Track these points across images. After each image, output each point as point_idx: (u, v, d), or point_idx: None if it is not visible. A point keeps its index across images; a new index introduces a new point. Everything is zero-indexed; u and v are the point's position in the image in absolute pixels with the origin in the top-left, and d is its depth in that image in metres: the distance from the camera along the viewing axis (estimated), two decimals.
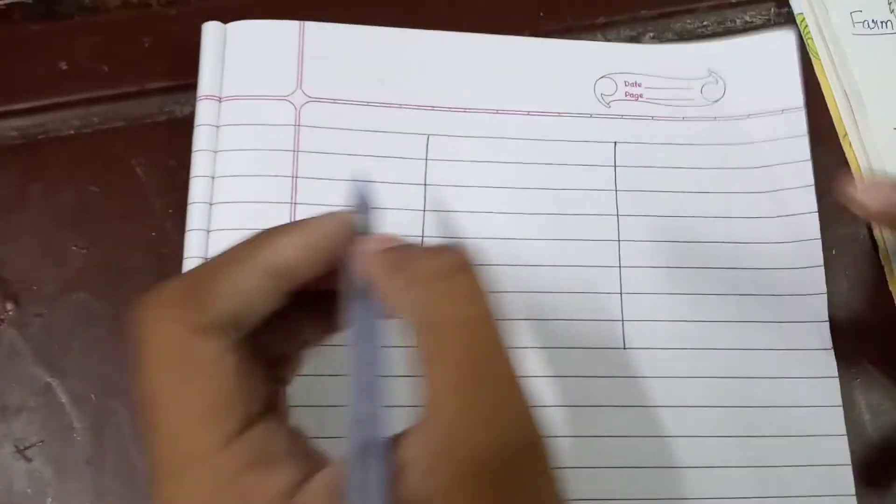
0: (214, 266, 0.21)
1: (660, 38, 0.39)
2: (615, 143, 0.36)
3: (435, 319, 0.20)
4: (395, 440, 0.19)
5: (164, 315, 0.20)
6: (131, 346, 0.20)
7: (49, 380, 0.32)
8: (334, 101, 0.36)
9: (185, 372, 0.19)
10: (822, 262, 0.35)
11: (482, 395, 0.19)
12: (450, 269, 0.20)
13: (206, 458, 0.18)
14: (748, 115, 0.37)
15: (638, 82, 0.37)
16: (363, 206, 0.23)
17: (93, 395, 0.32)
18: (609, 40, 0.39)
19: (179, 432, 0.19)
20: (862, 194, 0.30)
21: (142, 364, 0.20)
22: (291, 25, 0.36)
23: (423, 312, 0.20)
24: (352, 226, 0.22)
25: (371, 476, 0.18)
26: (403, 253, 0.21)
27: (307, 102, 0.35)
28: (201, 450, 0.19)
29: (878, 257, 0.36)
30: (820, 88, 0.39)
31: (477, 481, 0.18)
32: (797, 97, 0.38)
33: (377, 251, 0.21)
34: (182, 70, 0.36)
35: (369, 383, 0.20)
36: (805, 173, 0.36)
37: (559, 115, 0.37)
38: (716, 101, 0.38)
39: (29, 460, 0.31)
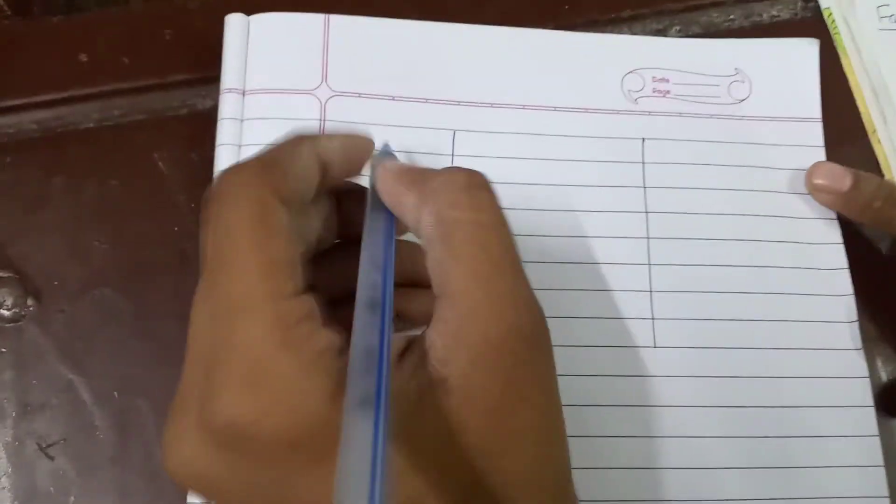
0: (283, 150, 0.22)
1: (686, 32, 0.39)
2: (643, 139, 0.36)
3: (454, 221, 0.21)
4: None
5: (248, 181, 0.21)
6: (208, 212, 0.21)
7: (71, 377, 0.32)
8: (359, 95, 0.35)
9: (261, 228, 0.20)
10: (846, 265, 0.35)
11: (498, 286, 0.20)
12: (467, 183, 0.22)
13: (265, 303, 0.19)
14: (772, 118, 0.37)
15: (666, 77, 0.37)
16: (386, 150, 0.26)
17: (116, 393, 0.31)
18: (634, 34, 0.39)
19: (244, 280, 0.20)
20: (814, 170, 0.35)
21: (220, 219, 0.21)
22: (316, 18, 0.36)
23: (441, 217, 0.21)
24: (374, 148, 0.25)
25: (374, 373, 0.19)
26: (423, 171, 0.23)
27: (332, 97, 0.35)
28: (262, 295, 0.19)
29: None
30: (848, 85, 0.39)
31: (492, 362, 0.19)
32: (816, 108, 0.37)
33: (397, 169, 0.24)
34: (204, 62, 0.36)
35: (378, 281, 0.21)
36: None
37: (586, 110, 0.36)
38: (742, 101, 0.37)
39: (51, 459, 0.31)
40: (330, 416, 0.18)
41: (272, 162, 0.22)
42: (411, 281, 0.24)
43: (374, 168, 0.24)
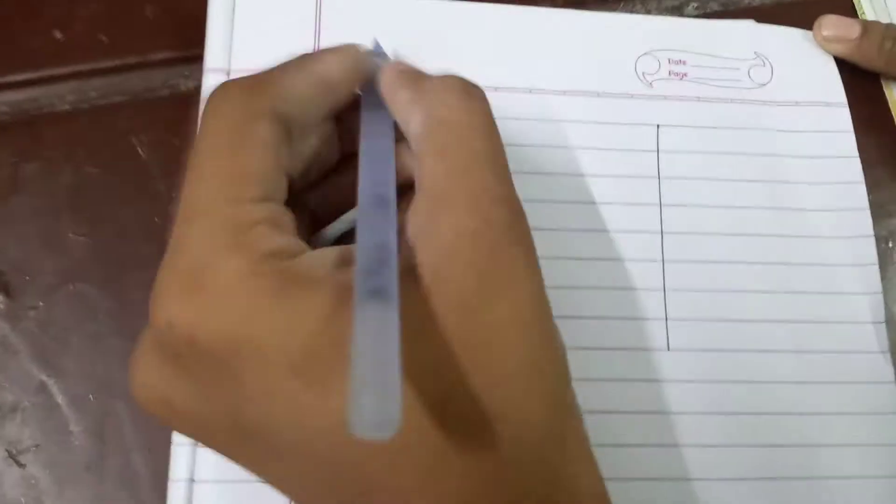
0: (275, 70, 0.22)
1: (704, 9, 0.37)
2: (658, 125, 0.33)
3: (442, 120, 0.21)
4: None
5: (234, 95, 0.21)
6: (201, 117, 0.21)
7: (45, 378, 0.30)
8: None
9: (235, 138, 0.20)
10: (875, 261, 0.33)
11: (474, 180, 0.20)
12: (463, 88, 0.22)
13: (220, 206, 0.19)
14: (796, 103, 0.35)
15: (682, 60, 0.35)
16: (378, 50, 0.26)
17: (92, 396, 0.29)
18: (649, 10, 0.36)
19: (206, 184, 0.20)
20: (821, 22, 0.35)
21: (200, 130, 0.21)
22: None
23: (431, 115, 0.21)
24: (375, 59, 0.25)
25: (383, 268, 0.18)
26: (422, 73, 0.23)
27: None
28: (220, 199, 0.19)
29: None
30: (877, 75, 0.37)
31: (463, 254, 0.19)
32: (840, 93, 0.35)
33: (397, 68, 0.24)
34: (187, 40, 0.33)
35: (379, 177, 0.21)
36: (854, 169, 0.34)
37: (597, 94, 0.34)
38: (763, 85, 0.35)
39: (23, 466, 0.29)
40: (272, 318, 0.18)
41: (265, 80, 0.22)
42: (404, 182, 0.23)
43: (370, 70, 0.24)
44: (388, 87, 0.23)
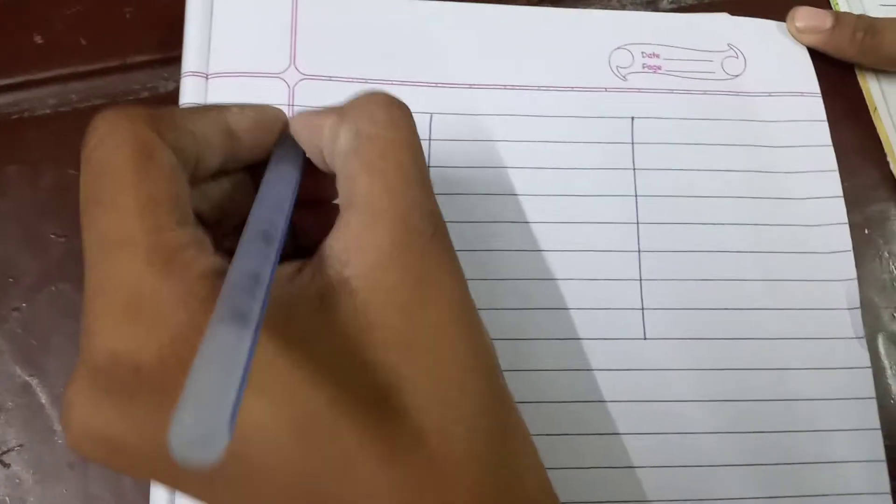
0: (176, 109, 0.22)
1: (678, 3, 0.37)
2: (632, 118, 0.34)
3: (371, 136, 0.21)
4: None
5: (132, 117, 0.20)
6: (86, 150, 0.20)
7: (28, 379, 0.30)
8: (329, 78, 0.33)
9: (140, 164, 0.19)
10: (850, 247, 0.33)
11: (405, 196, 0.20)
12: (386, 101, 0.22)
13: (143, 236, 0.19)
14: (769, 94, 0.35)
15: (656, 53, 0.35)
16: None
17: None
18: (624, 6, 0.37)
19: (120, 216, 0.19)
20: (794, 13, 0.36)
21: (97, 154, 0.20)
22: None
23: (359, 131, 0.21)
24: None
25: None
26: (337, 105, 0.23)
27: (301, 80, 0.33)
28: (140, 230, 0.19)
29: None
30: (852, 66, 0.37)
31: (397, 261, 0.20)
32: (813, 83, 0.36)
33: (316, 109, 0.23)
34: (166, 42, 0.34)
35: (273, 210, 0.20)
36: (828, 158, 0.35)
37: (572, 89, 0.34)
38: (737, 76, 0.35)
39: (7, 466, 0.29)
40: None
41: (164, 114, 0.21)
42: (311, 199, 0.24)
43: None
44: (309, 119, 0.23)
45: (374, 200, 0.20)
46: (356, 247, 0.20)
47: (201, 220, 0.22)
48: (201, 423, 0.13)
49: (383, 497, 0.18)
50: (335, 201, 0.22)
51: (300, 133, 0.23)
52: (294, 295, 0.19)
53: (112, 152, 0.20)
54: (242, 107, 0.23)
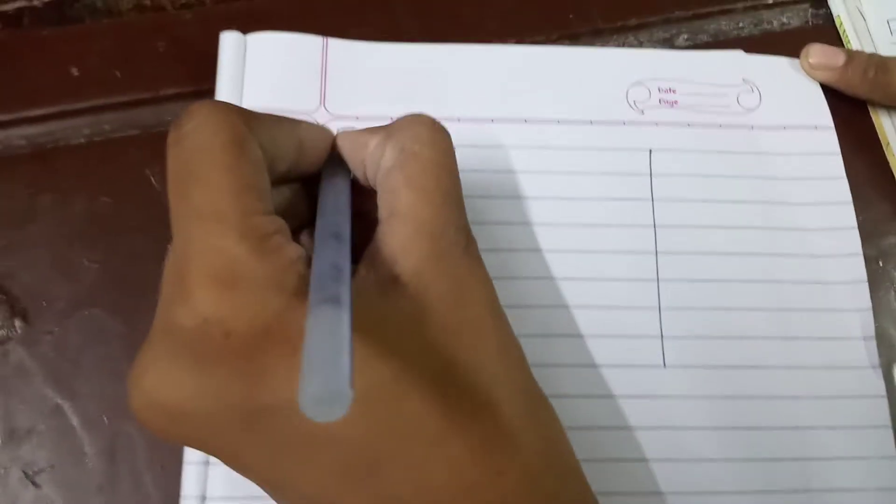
0: (261, 112, 0.23)
1: (694, 41, 0.38)
2: (650, 150, 0.35)
3: (415, 154, 0.23)
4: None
5: (229, 109, 0.22)
6: (178, 133, 0.21)
7: (59, 401, 0.30)
8: (357, 118, 0.34)
9: (236, 151, 0.21)
10: (865, 278, 0.34)
11: (443, 211, 0.23)
12: (431, 124, 0.24)
13: (238, 217, 0.20)
14: (784, 127, 0.36)
15: (672, 88, 0.36)
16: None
17: (105, 418, 0.30)
18: (641, 42, 0.38)
19: (217, 195, 0.20)
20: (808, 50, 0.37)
21: (194, 137, 0.21)
22: (314, 41, 0.35)
23: (404, 148, 0.23)
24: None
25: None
26: (382, 125, 0.25)
27: (331, 120, 0.34)
28: (235, 210, 0.20)
29: None
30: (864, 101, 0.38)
31: (439, 264, 0.22)
32: (826, 117, 0.37)
33: (362, 128, 0.26)
34: (198, 76, 0.35)
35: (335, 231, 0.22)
36: (842, 190, 0.35)
37: (591, 123, 0.35)
38: (752, 110, 0.36)
39: (38, 487, 0.29)
40: (302, 315, 0.19)
41: (253, 114, 0.23)
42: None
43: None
44: (357, 137, 0.25)
45: (416, 212, 0.22)
46: (402, 250, 0.22)
47: None
48: (330, 384, 0.15)
49: (437, 458, 0.20)
50: (376, 213, 0.24)
51: (345, 148, 0.26)
52: (356, 286, 0.21)
53: (209, 137, 0.21)
54: (310, 125, 0.25)
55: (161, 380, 0.20)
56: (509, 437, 0.21)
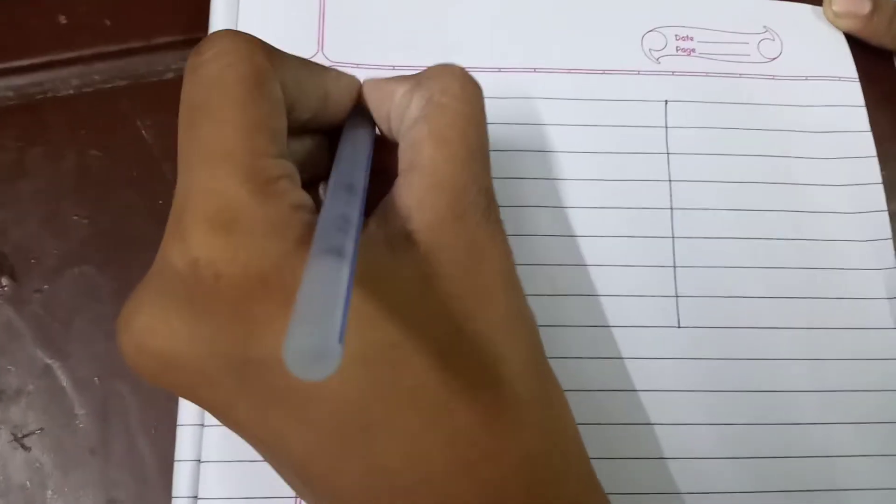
0: (290, 55, 0.22)
1: None
2: (666, 101, 0.33)
3: (442, 105, 0.22)
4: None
5: (252, 42, 0.21)
6: (198, 58, 0.20)
7: (49, 362, 0.29)
8: (357, 65, 0.32)
9: (254, 87, 0.20)
10: (890, 235, 0.32)
11: (466, 169, 0.21)
12: (462, 76, 0.23)
13: (245, 156, 0.19)
14: (806, 77, 0.34)
15: (689, 36, 0.34)
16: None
17: (97, 379, 0.29)
18: None
19: (227, 131, 0.19)
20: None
21: (212, 66, 0.20)
22: None
23: (432, 99, 0.22)
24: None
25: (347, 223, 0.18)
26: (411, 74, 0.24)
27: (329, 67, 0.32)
28: (243, 149, 0.19)
29: None
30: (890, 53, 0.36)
31: (455, 224, 0.21)
32: (850, 68, 0.35)
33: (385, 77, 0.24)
34: (191, 23, 0.33)
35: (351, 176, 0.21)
36: (867, 144, 0.34)
37: (603, 72, 0.33)
38: (773, 59, 0.34)
39: (27, 449, 0.28)
40: (300, 263, 0.18)
41: (278, 50, 0.21)
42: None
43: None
44: (384, 84, 0.24)
45: (437, 167, 0.21)
46: (418, 205, 0.20)
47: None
48: (317, 338, 0.14)
49: (436, 429, 0.19)
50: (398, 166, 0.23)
51: (371, 98, 0.24)
52: (365, 237, 0.20)
53: (227, 69, 0.20)
54: (338, 73, 0.24)
55: (151, 322, 0.19)
56: (513, 415, 0.20)
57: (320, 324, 0.14)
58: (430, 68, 0.23)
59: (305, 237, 0.19)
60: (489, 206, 0.22)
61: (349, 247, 0.17)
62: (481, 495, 0.19)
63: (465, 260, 0.21)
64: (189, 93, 0.20)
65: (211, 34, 0.21)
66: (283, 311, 0.18)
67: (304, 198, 0.20)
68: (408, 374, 0.19)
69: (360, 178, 0.21)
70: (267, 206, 0.19)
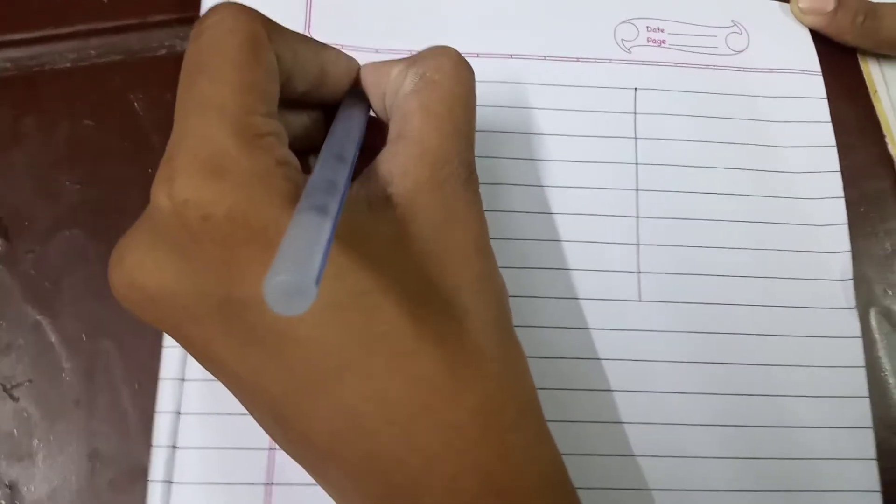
0: (290, 31, 0.23)
1: None
2: (636, 89, 0.34)
3: (434, 82, 0.23)
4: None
5: (252, 13, 0.22)
6: (200, 27, 0.21)
7: (39, 318, 0.31)
8: (342, 47, 0.34)
9: (250, 52, 0.21)
10: (845, 221, 0.34)
11: (451, 143, 0.23)
12: (457, 57, 0.24)
13: (237, 110, 0.20)
14: (771, 70, 0.36)
15: (660, 28, 0.36)
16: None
17: (84, 336, 0.31)
18: None
19: (222, 87, 0.20)
20: None
21: (212, 31, 0.21)
22: None
23: (425, 76, 0.23)
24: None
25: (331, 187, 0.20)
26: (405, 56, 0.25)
27: None
28: (236, 104, 0.20)
29: None
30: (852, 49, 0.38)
31: (433, 190, 0.22)
32: (814, 62, 0.37)
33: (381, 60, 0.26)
34: (184, 2, 0.35)
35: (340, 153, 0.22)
36: (827, 134, 0.35)
37: (577, 60, 0.35)
38: (739, 52, 0.36)
39: (16, 399, 0.30)
40: (283, 215, 0.19)
41: (276, 23, 0.23)
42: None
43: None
44: (376, 69, 0.25)
45: (424, 137, 0.22)
46: (401, 172, 0.22)
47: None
48: (296, 276, 0.15)
49: (401, 373, 0.20)
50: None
51: (368, 80, 0.26)
52: (347, 199, 0.21)
53: (226, 34, 0.21)
54: (338, 53, 0.25)
55: (141, 259, 0.21)
56: (474, 365, 0.21)
57: (300, 265, 0.16)
58: (426, 49, 0.25)
59: (288, 190, 0.20)
60: (469, 178, 0.23)
61: (333, 207, 0.18)
62: (441, 436, 0.21)
63: (440, 223, 0.22)
64: (190, 56, 0.21)
65: (214, 5, 0.22)
66: (265, 255, 0.19)
67: (290, 156, 0.21)
68: (378, 321, 0.20)
69: (351, 150, 0.22)
70: (254, 158, 0.20)
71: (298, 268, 0.16)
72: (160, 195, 0.20)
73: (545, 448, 0.23)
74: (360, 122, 0.24)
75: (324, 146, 0.22)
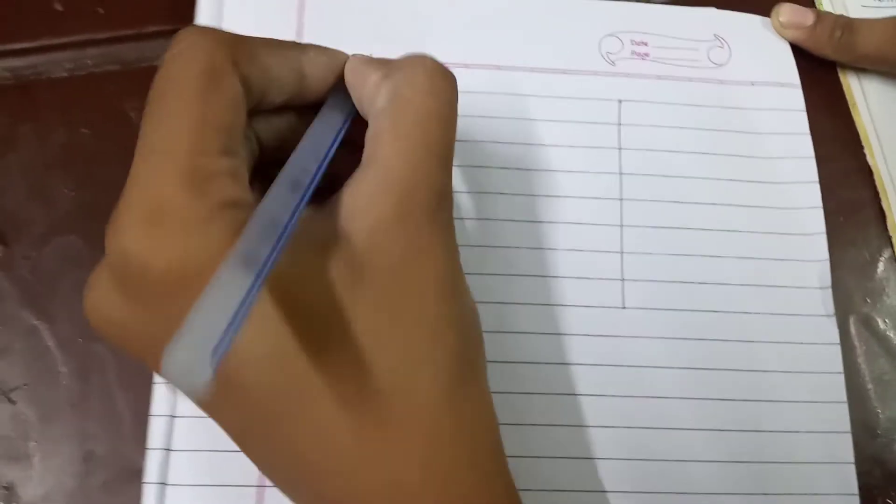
0: (258, 40, 0.23)
1: None
2: (620, 101, 0.35)
3: (406, 100, 0.22)
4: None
5: (215, 39, 0.21)
6: (167, 55, 0.21)
7: (35, 322, 0.31)
8: None
9: (205, 85, 0.20)
10: (824, 230, 0.35)
11: (422, 169, 0.21)
12: (432, 68, 0.23)
13: (183, 153, 0.19)
14: (752, 83, 0.37)
15: (644, 41, 0.37)
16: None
17: (80, 339, 0.31)
18: None
19: (171, 128, 0.20)
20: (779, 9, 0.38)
21: (170, 66, 0.21)
22: None
23: (396, 92, 0.22)
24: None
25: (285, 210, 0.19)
26: (388, 59, 0.24)
27: None
28: (183, 146, 0.20)
29: (886, 226, 0.36)
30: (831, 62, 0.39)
31: (397, 228, 0.21)
32: (794, 75, 0.38)
33: (365, 57, 0.25)
34: (180, 13, 0.35)
35: (315, 152, 0.22)
36: (806, 146, 0.36)
37: (563, 71, 0.36)
38: (721, 66, 0.37)
39: (13, 402, 0.30)
40: (221, 259, 0.18)
41: (245, 41, 0.22)
42: (352, 141, 0.24)
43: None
44: (359, 68, 0.24)
45: (390, 166, 0.21)
46: (364, 206, 0.21)
47: (263, 146, 0.24)
48: (190, 358, 0.15)
49: (339, 438, 0.20)
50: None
51: (349, 77, 0.24)
52: (302, 236, 0.20)
53: (184, 66, 0.21)
54: (318, 51, 0.24)
55: (101, 297, 0.21)
56: (417, 420, 0.21)
57: (197, 345, 0.15)
58: (403, 58, 0.24)
59: (227, 236, 0.19)
60: (438, 207, 0.22)
61: (265, 255, 0.18)
62: (384, 489, 0.20)
63: (399, 265, 0.21)
64: (153, 86, 0.21)
65: (181, 30, 0.21)
66: None
67: (241, 195, 0.20)
68: (321, 371, 0.20)
69: (312, 171, 0.21)
70: (195, 203, 0.19)
71: (199, 344, 0.15)
72: (108, 243, 0.20)
73: (496, 490, 0.23)
74: (332, 132, 0.23)
75: (282, 169, 0.21)
